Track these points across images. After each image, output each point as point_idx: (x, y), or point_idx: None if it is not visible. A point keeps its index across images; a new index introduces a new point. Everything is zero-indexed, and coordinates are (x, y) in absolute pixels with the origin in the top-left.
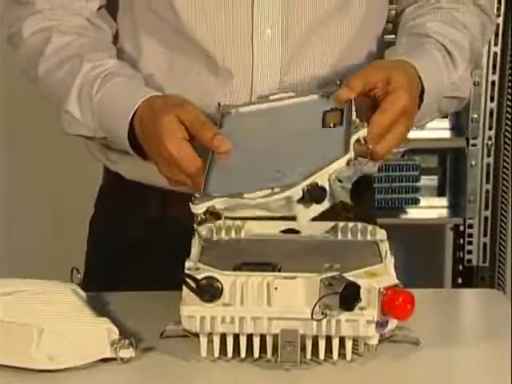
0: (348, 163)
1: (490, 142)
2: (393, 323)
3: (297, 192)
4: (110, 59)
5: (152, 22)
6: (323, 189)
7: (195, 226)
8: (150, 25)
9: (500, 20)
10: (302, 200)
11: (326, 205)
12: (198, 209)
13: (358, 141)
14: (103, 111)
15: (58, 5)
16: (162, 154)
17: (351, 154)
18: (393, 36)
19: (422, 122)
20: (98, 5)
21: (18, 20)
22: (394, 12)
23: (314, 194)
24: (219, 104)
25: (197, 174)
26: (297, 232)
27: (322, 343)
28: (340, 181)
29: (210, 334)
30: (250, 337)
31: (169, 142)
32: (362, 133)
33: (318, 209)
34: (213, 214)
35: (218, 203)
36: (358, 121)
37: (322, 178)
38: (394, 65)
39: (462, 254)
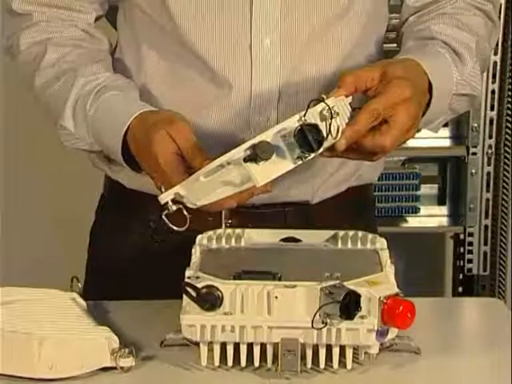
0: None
1: (490, 151)
2: (393, 332)
3: (237, 153)
4: (104, 72)
5: (152, 33)
6: (267, 143)
7: (163, 216)
8: (150, 35)
9: (500, 29)
10: (251, 160)
11: (287, 164)
12: (164, 197)
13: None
14: (97, 127)
15: (54, 17)
16: (155, 168)
17: (302, 114)
18: (394, 45)
19: (434, 122)
20: (95, 16)
21: (15, 32)
22: (396, 21)
23: (258, 151)
24: None
25: None
26: (297, 241)
27: (322, 352)
28: (284, 136)
29: (210, 343)
30: (250, 345)
31: (160, 158)
32: (324, 105)
33: (277, 168)
34: (179, 204)
35: (180, 188)
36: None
37: (266, 136)
38: (391, 62)
39: (462, 263)
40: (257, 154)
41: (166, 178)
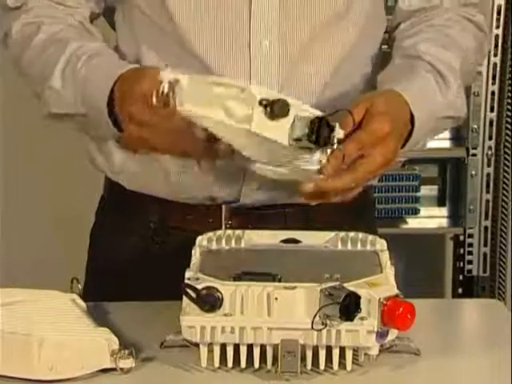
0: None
1: (489, 152)
2: (393, 333)
3: (257, 93)
4: (97, 42)
5: (151, 33)
6: (287, 105)
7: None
8: (149, 36)
9: (499, 31)
10: (263, 106)
11: (283, 138)
12: (166, 75)
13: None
14: (86, 84)
15: (48, 5)
16: (135, 97)
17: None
18: (386, 46)
19: (418, 145)
20: (90, 12)
21: (9, 22)
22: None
23: (275, 105)
24: None
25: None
26: (297, 242)
27: (322, 353)
28: (299, 116)
29: (210, 344)
30: (250, 347)
31: (144, 82)
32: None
33: (273, 133)
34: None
35: (184, 79)
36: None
37: (291, 101)
38: (374, 95)
39: (462, 264)
40: (272, 107)
41: (146, 100)
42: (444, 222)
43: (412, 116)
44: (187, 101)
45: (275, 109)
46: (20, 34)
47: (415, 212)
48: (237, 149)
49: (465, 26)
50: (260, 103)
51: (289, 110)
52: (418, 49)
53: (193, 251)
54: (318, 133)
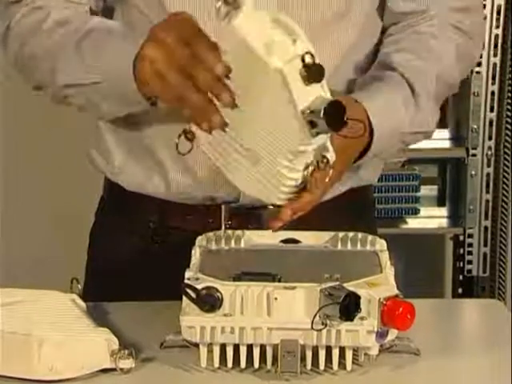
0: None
1: (489, 152)
2: (393, 333)
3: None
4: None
5: None
6: (323, 69)
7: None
8: None
9: (499, 31)
10: (305, 66)
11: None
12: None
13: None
14: (106, 48)
15: (53, 3)
16: (169, 39)
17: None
18: None
19: (383, 155)
20: (88, 8)
21: (9, 16)
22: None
23: (314, 68)
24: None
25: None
26: (297, 242)
27: (322, 353)
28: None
29: (209, 344)
30: (249, 347)
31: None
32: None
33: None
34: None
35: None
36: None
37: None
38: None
39: (462, 264)
40: (311, 67)
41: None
42: (444, 222)
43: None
44: (243, 19)
45: (313, 70)
46: (27, 20)
47: (415, 212)
48: (233, 130)
49: (450, 36)
50: (302, 59)
51: (322, 78)
52: (394, 59)
53: (192, 251)
54: (333, 115)
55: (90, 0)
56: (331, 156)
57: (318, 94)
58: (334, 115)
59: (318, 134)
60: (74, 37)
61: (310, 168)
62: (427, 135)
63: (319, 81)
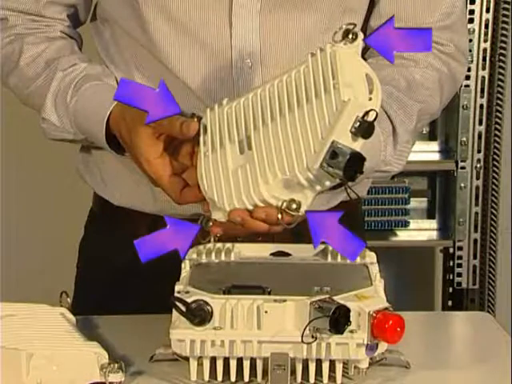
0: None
1: (478, 165)
2: (383, 346)
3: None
4: (81, 62)
5: (139, 57)
6: (373, 127)
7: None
8: (137, 58)
9: (487, 45)
10: (358, 127)
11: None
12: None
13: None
14: (79, 116)
15: (29, 19)
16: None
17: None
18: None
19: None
20: (68, 24)
21: None
22: None
23: (366, 126)
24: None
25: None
26: (287, 255)
27: (312, 366)
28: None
29: (200, 358)
30: (240, 360)
31: (148, 166)
32: None
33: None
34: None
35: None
36: None
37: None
38: None
39: (451, 277)
40: (363, 124)
41: (156, 183)
42: (433, 235)
43: None
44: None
45: (366, 126)
46: (3, 54)
47: (405, 224)
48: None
49: (431, 63)
50: (366, 112)
51: (367, 138)
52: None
53: (182, 264)
54: (351, 168)
55: (66, 17)
56: (304, 207)
57: (351, 145)
58: (352, 167)
59: (327, 172)
60: (48, 97)
61: (280, 204)
62: (390, 175)
63: (364, 138)
